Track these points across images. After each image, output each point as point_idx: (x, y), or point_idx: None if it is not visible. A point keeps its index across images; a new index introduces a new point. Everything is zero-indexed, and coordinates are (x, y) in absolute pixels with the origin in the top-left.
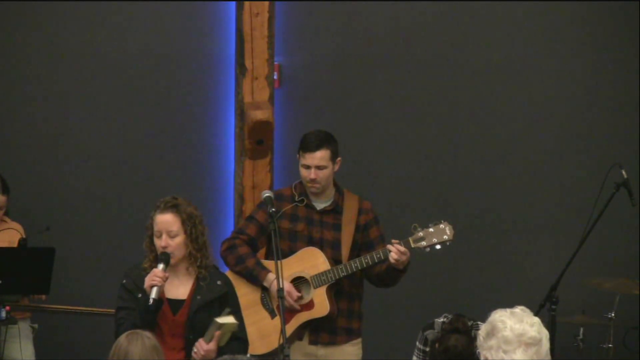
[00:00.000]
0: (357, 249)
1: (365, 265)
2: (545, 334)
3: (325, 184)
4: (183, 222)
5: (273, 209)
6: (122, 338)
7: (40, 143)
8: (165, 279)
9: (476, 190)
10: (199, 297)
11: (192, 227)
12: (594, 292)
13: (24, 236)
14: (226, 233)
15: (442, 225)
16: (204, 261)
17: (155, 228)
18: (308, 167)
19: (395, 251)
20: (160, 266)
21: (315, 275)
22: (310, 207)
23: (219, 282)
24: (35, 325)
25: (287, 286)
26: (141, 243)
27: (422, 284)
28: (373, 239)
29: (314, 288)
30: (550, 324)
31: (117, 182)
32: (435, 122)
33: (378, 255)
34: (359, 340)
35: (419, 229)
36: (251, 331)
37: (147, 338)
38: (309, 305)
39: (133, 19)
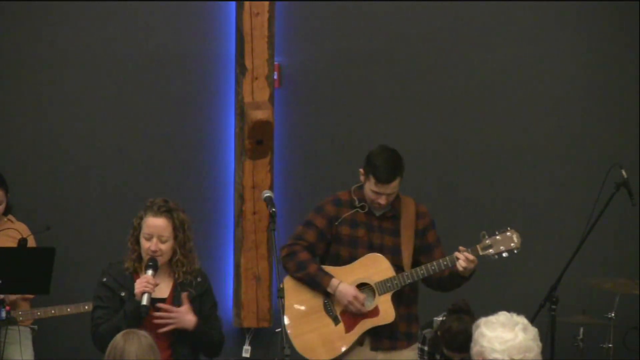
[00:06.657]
0: (417, 254)
1: (431, 273)
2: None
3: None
4: (175, 228)
5: (274, 209)
6: (119, 337)
7: (40, 143)
8: (155, 286)
9: (476, 190)
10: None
11: (182, 233)
12: (594, 292)
13: (25, 237)
14: (226, 233)
15: (509, 233)
16: (189, 267)
17: (146, 230)
18: (379, 193)
19: (463, 259)
20: (150, 272)
21: (380, 281)
22: (369, 212)
23: (199, 279)
24: (35, 327)
25: (353, 290)
26: None
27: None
28: (431, 243)
29: (379, 295)
30: (550, 324)
31: (118, 182)
32: (434, 122)
33: (445, 263)
34: (417, 344)
35: (487, 237)
36: (313, 337)
37: (143, 337)
38: (374, 312)
39: (133, 19)
